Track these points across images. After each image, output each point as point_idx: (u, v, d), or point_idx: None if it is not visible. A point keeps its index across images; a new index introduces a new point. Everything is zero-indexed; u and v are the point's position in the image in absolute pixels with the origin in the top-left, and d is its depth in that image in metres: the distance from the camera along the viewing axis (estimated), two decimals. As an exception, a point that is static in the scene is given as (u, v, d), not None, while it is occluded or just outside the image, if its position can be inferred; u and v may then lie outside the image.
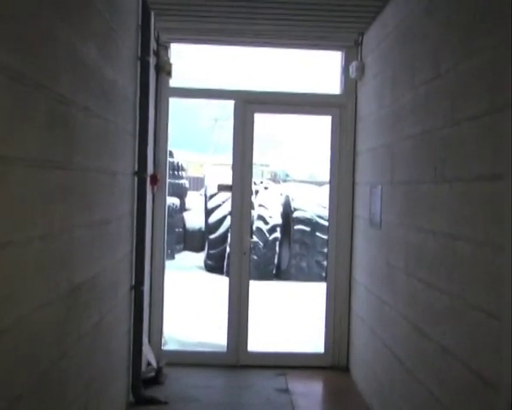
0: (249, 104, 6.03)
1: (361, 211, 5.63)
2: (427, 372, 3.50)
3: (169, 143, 6.08)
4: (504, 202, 2.49)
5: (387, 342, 4.46)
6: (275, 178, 22.94)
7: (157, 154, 5.88)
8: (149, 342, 5.81)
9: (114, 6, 3.78)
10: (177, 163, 15.98)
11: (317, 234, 12.45)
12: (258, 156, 11.15)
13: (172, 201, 14.81)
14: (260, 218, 12.49)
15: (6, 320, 2.12)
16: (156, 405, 4.89)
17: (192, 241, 16.16)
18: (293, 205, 12.74)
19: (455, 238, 3.10)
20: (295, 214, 12.61)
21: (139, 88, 4.79)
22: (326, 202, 12.73)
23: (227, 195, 13.07)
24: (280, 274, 12.86)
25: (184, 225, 16.14)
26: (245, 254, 6.08)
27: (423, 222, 3.64)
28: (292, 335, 7.59)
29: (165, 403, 4.92)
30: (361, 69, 5.58)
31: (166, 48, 5.84)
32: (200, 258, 14.68)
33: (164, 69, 5.78)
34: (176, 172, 15.79)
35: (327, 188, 14.19)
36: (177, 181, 15.75)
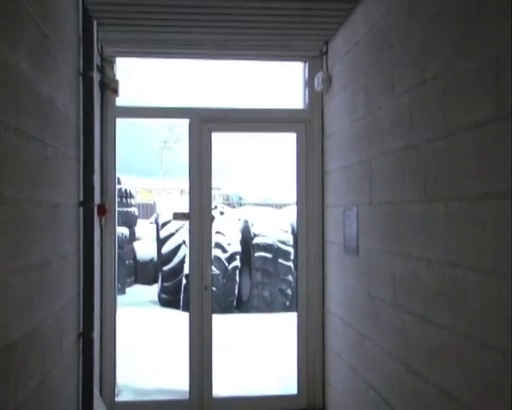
0: (206, 123, 5.70)
1: (333, 236, 5.34)
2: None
3: (116, 168, 5.69)
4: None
5: (372, 383, 4.14)
6: (229, 202, 22.66)
7: (104, 181, 5.48)
8: (101, 394, 5.33)
9: (47, 8, 3.35)
10: (126, 190, 15.46)
11: (280, 261, 12.13)
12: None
13: (121, 231, 14.32)
14: (218, 245, 12.07)
15: None
16: None
17: (144, 273, 15.68)
18: (252, 230, 12.39)
19: (454, 266, 2.82)
20: (255, 241, 12.24)
21: (82, 107, 4.39)
22: (287, 226, 12.74)
23: (180, 223, 12.66)
24: (241, 306, 12.46)
25: (135, 256, 15.63)
26: (206, 288, 5.69)
27: (413, 248, 3.35)
28: (260, 374, 7.21)
29: None
30: (327, 81, 5.34)
31: (112, 63, 5.45)
32: (153, 291, 14.18)
33: (109, 87, 5.40)
34: (124, 200, 15.27)
35: (287, 210, 14.12)
36: (125, 209, 15.27)
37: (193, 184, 5.72)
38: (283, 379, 6.46)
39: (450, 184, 2.87)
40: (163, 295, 13.08)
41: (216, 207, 14.45)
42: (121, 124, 5.69)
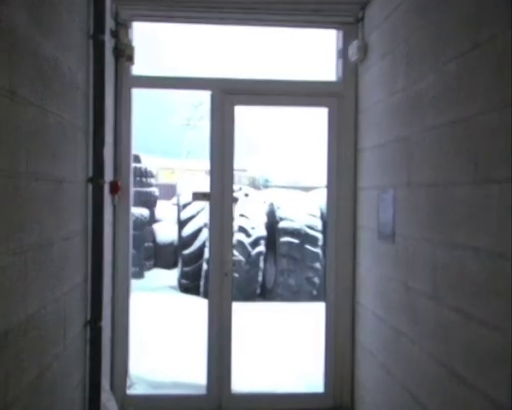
0: (229, 95, 5.45)
1: (366, 221, 5.08)
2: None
3: (133, 143, 5.48)
4: None
5: (406, 384, 3.90)
6: (254, 184, 22.45)
7: (118, 156, 5.28)
8: (111, 386, 5.18)
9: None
10: (145, 169, 15.31)
11: (307, 247, 11.89)
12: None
13: (140, 212, 14.22)
14: (241, 229, 11.88)
15: None
16: None
17: (164, 256, 15.62)
18: (278, 214, 12.15)
19: (508, 259, 2.55)
20: (281, 225, 12.01)
21: (92, 74, 4.17)
22: (315, 210, 12.48)
23: (202, 204, 12.47)
24: (265, 294, 12.28)
25: (154, 238, 15.54)
26: (226, 275, 5.48)
27: (459, 236, 3.08)
28: (284, 369, 7.01)
29: None
30: (363, 50, 5.05)
31: (127, 27, 5.22)
32: (172, 276, 14.07)
33: (124, 53, 5.17)
34: (144, 180, 15.14)
35: (315, 194, 13.85)
36: (145, 189, 15.16)
37: (214, 163, 5.50)
38: (308, 375, 6.26)
39: (506, 164, 2.59)
40: (183, 281, 12.95)
41: (240, 188, 14.25)
42: (143, 101, 5.46)
